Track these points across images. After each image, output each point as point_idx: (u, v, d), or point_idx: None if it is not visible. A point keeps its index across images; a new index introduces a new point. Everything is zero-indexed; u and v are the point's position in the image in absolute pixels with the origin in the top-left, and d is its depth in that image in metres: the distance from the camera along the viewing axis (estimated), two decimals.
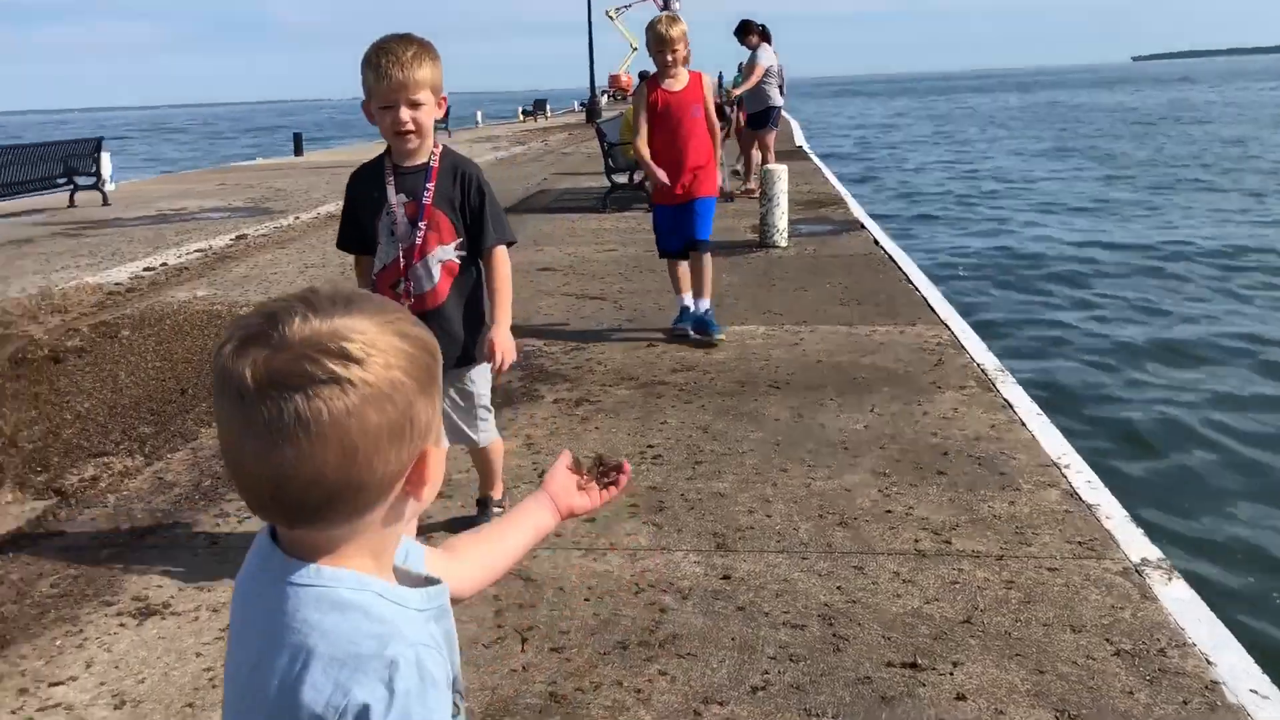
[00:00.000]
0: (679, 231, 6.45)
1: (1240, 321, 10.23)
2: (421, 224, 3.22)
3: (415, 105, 3.02)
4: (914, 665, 2.91)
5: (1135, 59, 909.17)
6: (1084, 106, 63.34)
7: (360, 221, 3.30)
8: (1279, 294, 11.38)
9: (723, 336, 6.45)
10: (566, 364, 6.16)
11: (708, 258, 6.55)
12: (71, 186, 15.74)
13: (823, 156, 22.27)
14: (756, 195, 13.26)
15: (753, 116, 13.50)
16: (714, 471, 4.37)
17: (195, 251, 10.76)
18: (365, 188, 3.28)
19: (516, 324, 7.24)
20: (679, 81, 6.30)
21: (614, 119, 15.51)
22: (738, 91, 13.30)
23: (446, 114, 30.95)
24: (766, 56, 13.12)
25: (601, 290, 8.32)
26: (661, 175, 6.27)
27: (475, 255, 3.34)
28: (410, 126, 3.06)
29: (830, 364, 5.96)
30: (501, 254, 3.31)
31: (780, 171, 10.22)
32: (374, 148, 23.55)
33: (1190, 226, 16.07)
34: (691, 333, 6.56)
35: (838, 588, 3.37)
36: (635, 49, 71.40)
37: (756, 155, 13.94)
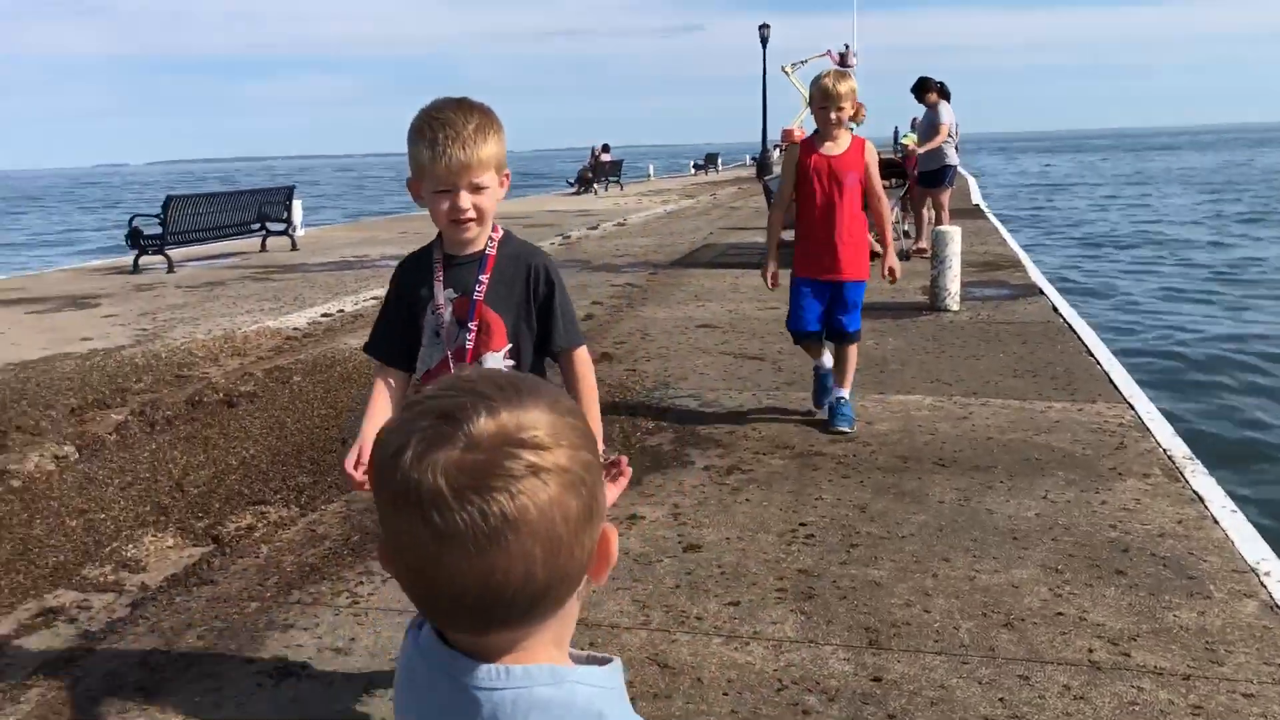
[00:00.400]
0: (821, 314, 5.85)
1: None
2: (472, 324, 2.57)
3: (478, 189, 2.43)
4: None
5: None
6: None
7: (398, 322, 2.66)
8: None
9: (849, 430, 5.84)
10: (720, 428, 6.01)
11: (853, 349, 5.99)
12: (264, 232, 16.62)
13: (999, 216, 21.56)
14: (928, 255, 12.88)
15: (927, 175, 13.17)
16: (870, 557, 4.12)
17: (371, 299, 11.12)
18: (412, 281, 2.65)
19: (672, 380, 7.21)
20: (839, 145, 5.72)
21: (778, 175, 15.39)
22: (921, 150, 12.99)
23: (617, 168, 31.48)
24: (948, 114, 12.80)
25: (761, 350, 8.15)
26: (771, 269, 5.95)
27: (539, 358, 2.66)
28: (471, 215, 2.45)
29: (1001, 442, 5.62)
30: (583, 357, 2.64)
31: (954, 233, 9.87)
32: (549, 200, 24.13)
33: None
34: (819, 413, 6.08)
35: (1000, 699, 3.09)
36: (808, 104, 71.44)
37: (928, 214, 13.57)
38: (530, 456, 0.86)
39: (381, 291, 11.45)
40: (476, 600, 0.88)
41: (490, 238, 2.59)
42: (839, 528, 4.45)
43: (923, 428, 5.91)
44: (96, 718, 3.13)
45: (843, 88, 5.62)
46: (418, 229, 20.40)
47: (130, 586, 4.03)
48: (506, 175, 2.50)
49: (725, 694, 3.15)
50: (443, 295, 2.59)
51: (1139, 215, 30.73)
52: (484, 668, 0.92)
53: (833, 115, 5.63)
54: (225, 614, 3.78)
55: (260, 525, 4.57)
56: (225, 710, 3.14)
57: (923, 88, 13.17)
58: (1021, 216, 30.37)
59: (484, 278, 2.58)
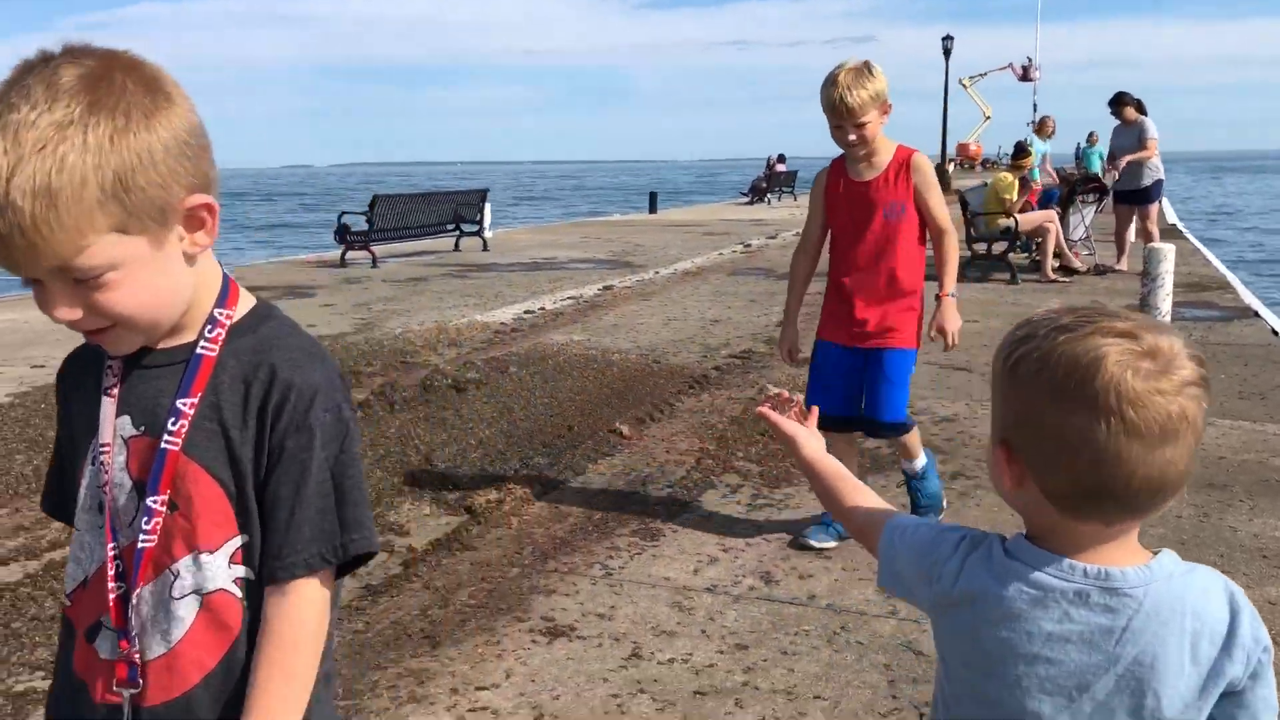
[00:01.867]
0: (846, 391, 4.30)
1: None
2: (155, 500, 1.28)
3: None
4: None
5: None
6: None
7: (70, 466, 1.39)
8: None
9: (816, 544, 4.27)
10: (937, 434, 6.02)
11: (909, 439, 4.45)
12: (458, 232, 17.32)
13: (1200, 237, 20.65)
14: (1124, 273, 12.51)
15: (1134, 193, 12.79)
16: None
17: (568, 299, 11.50)
18: (75, 395, 1.39)
19: None
20: (874, 166, 4.15)
21: (977, 187, 15.13)
22: (1130, 159, 12.66)
23: (791, 179, 31.27)
24: (1154, 128, 12.41)
25: (967, 362, 8.08)
26: (787, 340, 4.52)
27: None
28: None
29: (1235, 461, 5.47)
30: (308, 596, 1.30)
31: (1167, 250, 9.53)
32: (722, 209, 24.25)
33: None
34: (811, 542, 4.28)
35: None
36: (988, 118, 69.65)
37: (1128, 234, 13.18)
38: (1203, 370, 1.16)
39: (576, 292, 11.87)
40: (1154, 487, 1.16)
41: (213, 321, 1.32)
42: None
43: None
44: (391, 661, 3.41)
45: (858, 98, 3.94)
46: (596, 234, 20.89)
47: (399, 548, 4.35)
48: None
49: None
50: (110, 428, 1.32)
51: None
52: (1135, 557, 1.23)
53: (851, 135, 4.04)
54: (490, 577, 4.05)
55: (507, 500, 4.85)
56: (506, 661, 3.38)
57: (1120, 102, 12.79)
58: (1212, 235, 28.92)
59: (186, 402, 1.29)
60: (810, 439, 1.64)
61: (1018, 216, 12.86)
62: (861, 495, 1.52)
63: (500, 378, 7.24)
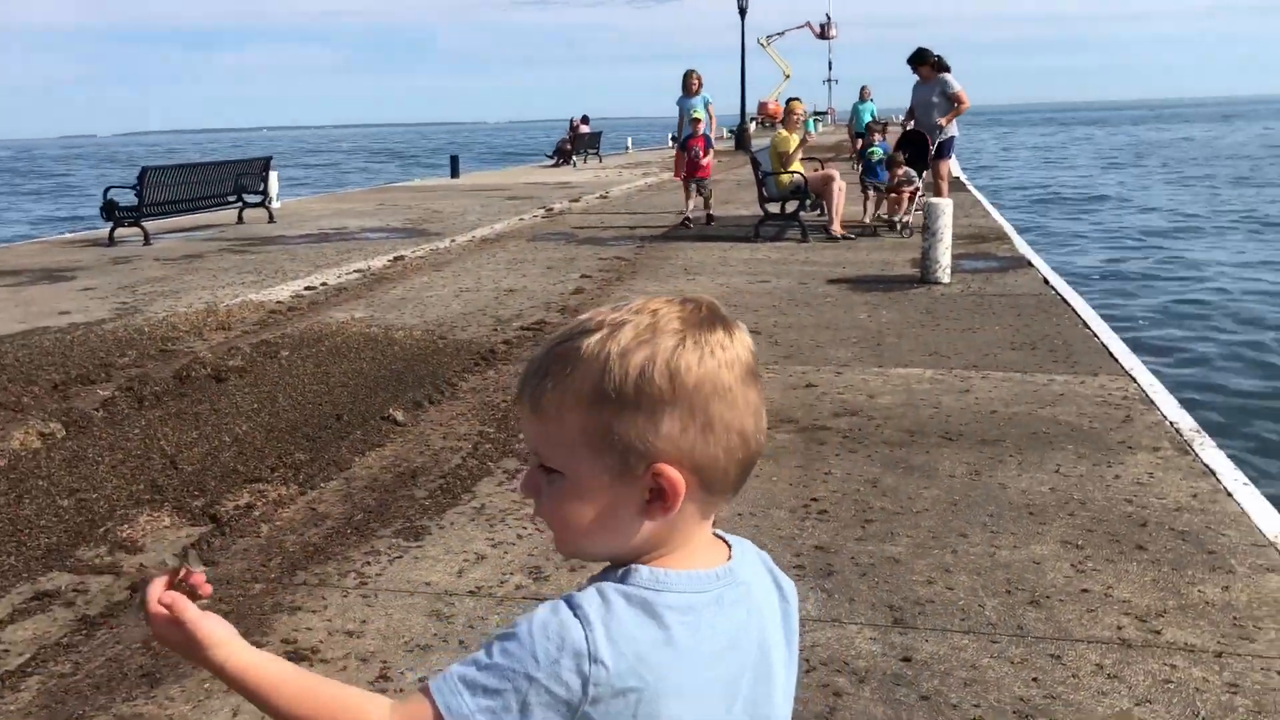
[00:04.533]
0: None
1: None
2: None
3: None
4: None
5: None
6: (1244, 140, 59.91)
7: None
8: None
9: None
10: None
11: None
12: (241, 204, 16.33)
13: (979, 188, 21.54)
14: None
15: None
16: (886, 532, 4.05)
17: (354, 272, 10.94)
18: None
19: None
20: None
21: (767, 147, 15.24)
22: (953, 116, 12.90)
23: (596, 140, 31.16)
24: (956, 83, 12.73)
25: (756, 323, 8.05)
26: None
27: None
28: None
29: (1006, 415, 5.57)
30: None
31: (945, 205, 9.80)
32: (528, 172, 23.86)
33: None
34: None
35: (1034, 679, 3.02)
36: (788, 76, 71.06)
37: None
38: None
39: (364, 264, 11.32)
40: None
41: None
42: (851, 503, 4.38)
43: (925, 401, 5.85)
44: (101, 707, 3.01)
45: None
46: (395, 200, 20.15)
47: (128, 568, 3.90)
48: None
49: None
50: None
51: (1106, 189, 30.80)
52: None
53: None
54: (229, 596, 3.66)
55: (259, 504, 4.45)
56: (235, 697, 3.02)
57: (920, 59, 13.02)
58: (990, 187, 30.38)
59: None
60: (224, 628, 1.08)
61: (806, 175, 12.99)
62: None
63: (267, 364, 6.74)
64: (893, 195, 13.19)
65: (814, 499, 4.43)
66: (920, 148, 13.10)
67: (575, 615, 0.94)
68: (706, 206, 14.80)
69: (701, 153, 14.34)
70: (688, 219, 14.42)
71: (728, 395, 0.98)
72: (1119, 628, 3.31)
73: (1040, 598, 3.52)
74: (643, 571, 0.99)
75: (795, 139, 13.09)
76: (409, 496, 4.59)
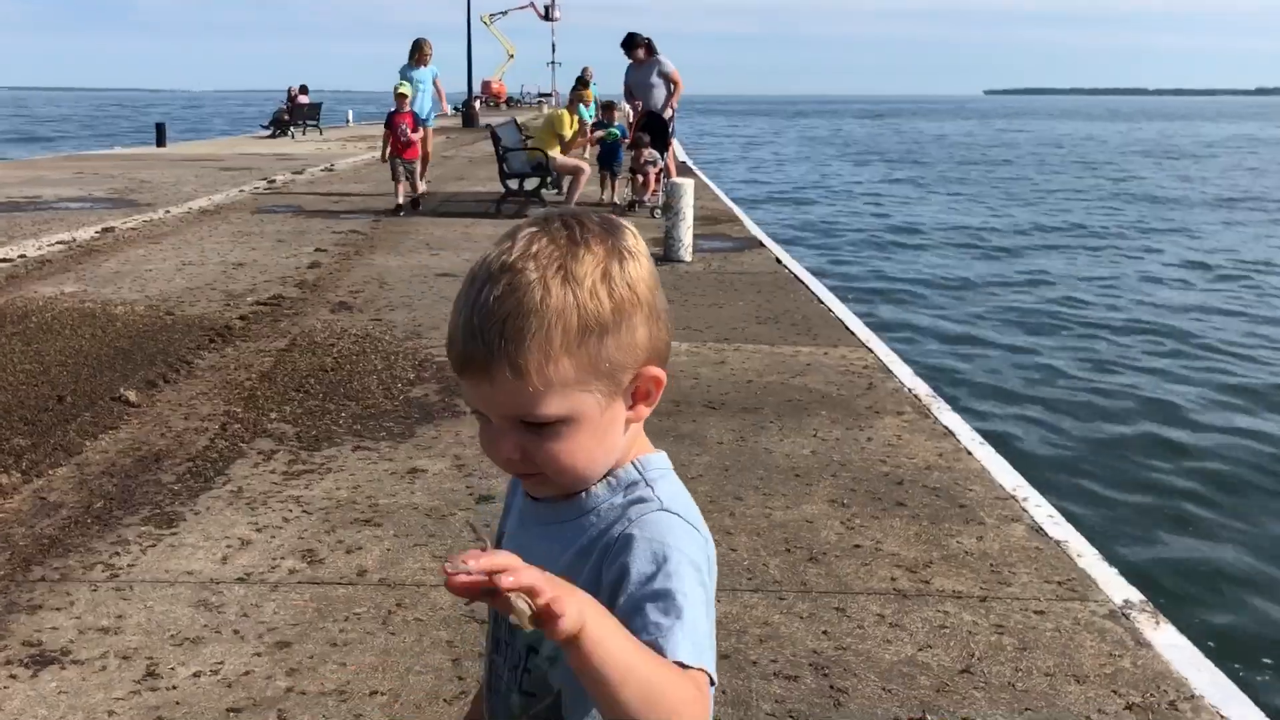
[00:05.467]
0: None
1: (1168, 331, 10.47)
2: None
3: None
4: None
5: (987, 92, 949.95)
6: (924, 134, 65.43)
7: None
8: (1221, 296, 11.72)
9: None
10: None
11: None
12: None
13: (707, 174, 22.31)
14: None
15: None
16: None
17: (58, 243, 9.94)
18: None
19: (423, 330, 6.89)
20: None
21: (506, 123, 15.11)
22: (676, 102, 13.18)
23: (315, 111, 29.72)
24: (670, 63, 13.02)
25: None
26: None
27: None
28: None
29: (761, 384, 5.77)
30: None
31: (687, 185, 10.07)
32: (242, 143, 22.49)
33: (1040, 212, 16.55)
34: None
35: (824, 632, 3.14)
36: (512, 56, 70.80)
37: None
38: None
39: (68, 236, 10.32)
40: None
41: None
42: None
43: (685, 372, 5.97)
44: None
45: None
46: (95, 168, 18.52)
47: None
48: None
49: None
50: None
51: (800, 173, 32.74)
52: None
53: None
54: None
55: None
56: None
57: (632, 43, 13.27)
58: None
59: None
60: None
61: (557, 156, 12.96)
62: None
63: None
64: (639, 178, 13.38)
65: None
66: (660, 129, 13.36)
67: (683, 520, 1.04)
68: (413, 190, 12.93)
69: (410, 129, 12.56)
70: (399, 206, 12.59)
71: (659, 284, 1.05)
72: (893, 579, 3.49)
73: (818, 554, 3.66)
74: (654, 460, 1.09)
75: (573, 120, 13.06)
76: (154, 481, 4.20)
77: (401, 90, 12.59)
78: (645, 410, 1.06)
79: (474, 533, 0.92)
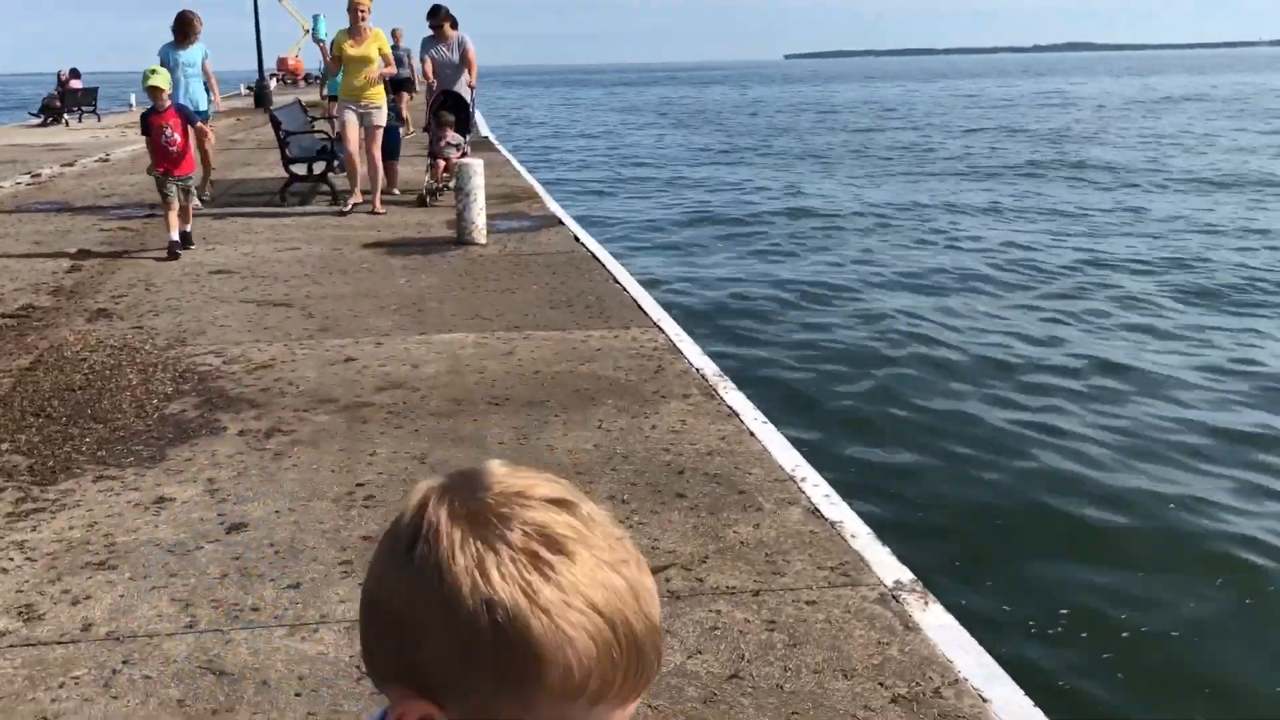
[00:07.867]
0: None
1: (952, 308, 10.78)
2: None
3: None
4: None
5: (787, 57, 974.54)
6: (722, 101, 66.60)
7: None
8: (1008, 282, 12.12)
9: None
10: (251, 385, 5.43)
11: None
12: None
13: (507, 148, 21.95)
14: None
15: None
16: None
17: None
18: None
19: (188, 336, 6.42)
20: None
21: (289, 105, 14.40)
22: (474, 83, 12.75)
23: (91, 96, 27.75)
24: (470, 41, 12.63)
25: (287, 295, 7.53)
26: None
27: None
28: None
29: (549, 374, 5.60)
30: None
31: (476, 166, 9.76)
32: (7, 133, 20.74)
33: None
34: None
35: None
36: (307, 31, 68.09)
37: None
38: None
39: None
40: None
41: None
42: (400, 483, 4.15)
43: (470, 366, 5.74)
44: None
45: None
46: None
47: None
48: None
49: (298, 694, 2.77)
50: None
51: (592, 144, 32.77)
52: None
53: None
54: None
55: None
56: None
57: (437, 14, 12.81)
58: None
59: None
60: None
61: (332, 135, 12.38)
62: None
63: None
64: (440, 163, 12.62)
65: (359, 484, 4.16)
66: (463, 109, 12.88)
67: None
68: (183, 220, 9.17)
69: (179, 136, 8.95)
70: (173, 243, 8.92)
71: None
72: (668, 580, 3.38)
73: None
74: None
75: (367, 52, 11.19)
76: None
77: (154, 82, 8.96)
78: None
79: None
